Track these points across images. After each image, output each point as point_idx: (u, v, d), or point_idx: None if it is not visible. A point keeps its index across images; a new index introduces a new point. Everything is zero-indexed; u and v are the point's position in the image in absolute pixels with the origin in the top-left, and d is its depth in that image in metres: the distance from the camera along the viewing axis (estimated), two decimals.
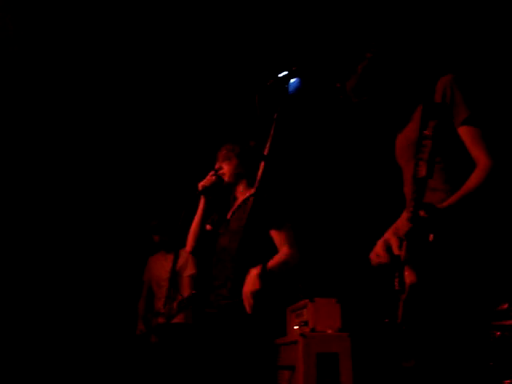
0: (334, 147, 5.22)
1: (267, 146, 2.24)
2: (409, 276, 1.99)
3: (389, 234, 2.27)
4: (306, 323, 4.70)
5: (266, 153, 2.22)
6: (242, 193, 3.41)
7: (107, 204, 5.24)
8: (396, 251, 2.10)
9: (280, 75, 2.41)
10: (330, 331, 4.53)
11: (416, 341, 2.15)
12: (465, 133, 2.09)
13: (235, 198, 3.47)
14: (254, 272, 2.95)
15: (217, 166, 3.44)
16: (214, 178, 3.36)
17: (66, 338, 5.06)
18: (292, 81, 2.39)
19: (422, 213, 1.92)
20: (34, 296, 5.08)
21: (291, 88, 2.39)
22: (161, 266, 5.25)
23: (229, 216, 3.41)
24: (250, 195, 3.30)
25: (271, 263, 3.12)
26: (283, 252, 3.13)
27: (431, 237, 1.94)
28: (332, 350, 4.43)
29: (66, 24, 4.44)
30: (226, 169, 3.40)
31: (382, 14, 3.87)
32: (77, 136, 5.24)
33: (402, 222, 2.05)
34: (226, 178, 3.39)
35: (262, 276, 3.00)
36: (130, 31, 4.59)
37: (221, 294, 3.16)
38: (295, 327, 4.85)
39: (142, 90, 5.15)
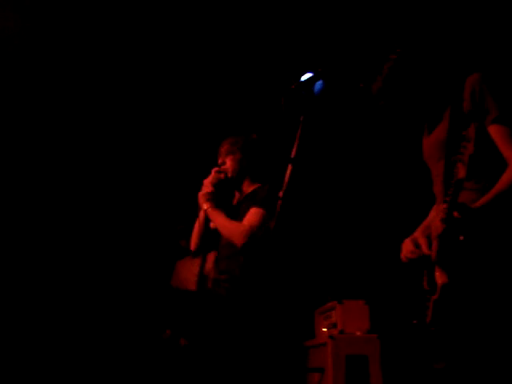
0: (359, 148, 5.20)
1: (294, 148, 2.24)
2: (440, 276, 1.98)
3: (418, 233, 2.27)
4: (334, 325, 4.68)
5: (293, 155, 2.22)
6: (246, 188, 3.36)
7: (135, 210, 5.27)
8: (426, 251, 2.09)
9: (304, 77, 2.41)
10: (358, 333, 4.51)
11: (447, 342, 2.14)
12: (495, 132, 2.06)
13: (239, 193, 3.41)
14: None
15: (220, 161, 3.38)
16: (219, 174, 3.30)
17: (94, 342, 5.10)
18: (317, 83, 2.39)
19: (455, 214, 1.90)
20: (58, 300, 5.13)
21: (316, 90, 2.39)
22: (188, 271, 5.27)
23: (233, 213, 3.36)
24: (253, 190, 3.25)
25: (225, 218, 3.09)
26: (242, 223, 3.06)
27: (461, 237, 1.92)
28: (361, 352, 4.41)
29: (66, 24, 4.44)
30: (229, 164, 3.34)
31: (406, 14, 3.85)
32: (98, 138, 5.25)
33: (435, 223, 2.03)
34: (229, 173, 3.33)
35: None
36: (144, 27, 4.58)
37: (226, 288, 3.14)
38: (324, 329, 4.84)
39: (154, 90, 5.14)
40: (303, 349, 4.94)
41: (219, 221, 3.16)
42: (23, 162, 5.12)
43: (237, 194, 3.45)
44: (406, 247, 2.22)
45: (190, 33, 4.67)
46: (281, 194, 2.21)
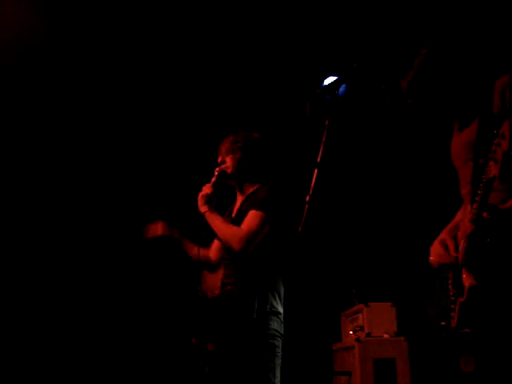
0: (384, 150, 5.18)
1: (320, 152, 2.24)
2: (467, 278, 1.96)
3: (445, 234, 2.24)
4: (361, 328, 4.67)
5: (318, 160, 2.22)
6: (247, 189, 3.27)
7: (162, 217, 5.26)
8: (453, 253, 2.07)
9: (328, 81, 2.41)
10: (386, 336, 4.49)
11: (475, 345, 2.12)
12: None
13: (240, 195, 3.33)
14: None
15: (220, 160, 3.29)
16: (219, 171, 3.22)
17: (130, 346, 5.14)
18: (341, 86, 2.39)
19: (485, 214, 1.88)
20: (92, 305, 5.16)
21: (340, 93, 2.39)
22: (215, 276, 5.29)
23: (234, 214, 3.30)
24: (253, 191, 3.19)
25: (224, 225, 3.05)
26: (240, 228, 3.00)
27: (488, 239, 1.90)
28: (389, 355, 4.39)
29: (66, 23, 4.44)
30: (229, 162, 3.24)
31: (436, 13, 3.83)
32: (113, 138, 5.25)
33: (464, 223, 2.01)
34: (229, 172, 3.24)
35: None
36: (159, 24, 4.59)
37: (229, 291, 3.10)
38: (350, 332, 4.83)
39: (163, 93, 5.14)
40: (330, 352, 4.93)
41: (216, 225, 3.05)
42: (23, 161, 5.12)
43: (238, 196, 3.37)
44: (435, 250, 2.20)
45: (212, 35, 4.68)
46: (307, 198, 2.20)
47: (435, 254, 2.21)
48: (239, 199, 3.29)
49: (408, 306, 4.73)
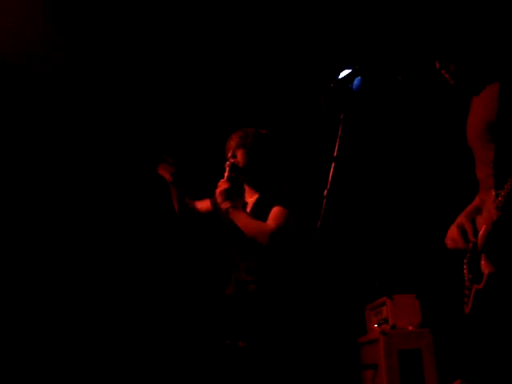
0: (402, 141, 5.16)
1: (336, 146, 2.24)
2: (487, 266, 1.91)
3: (462, 218, 2.19)
4: (385, 321, 4.67)
5: (335, 154, 2.23)
6: (260, 184, 3.26)
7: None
8: (471, 237, 2.03)
9: (342, 75, 2.41)
10: (410, 327, 4.48)
11: (489, 333, 2.07)
12: None
13: (252, 190, 3.32)
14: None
15: (229, 155, 3.23)
16: (233, 164, 3.20)
17: (153, 347, 5.15)
18: (355, 79, 2.39)
19: None
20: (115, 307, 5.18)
21: (355, 87, 2.39)
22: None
23: (249, 209, 3.24)
24: (273, 187, 3.17)
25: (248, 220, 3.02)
26: (267, 223, 2.98)
27: None
28: (414, 347, 4.38)
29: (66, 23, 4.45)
30: (240, 157, 3.22)
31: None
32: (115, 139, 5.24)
33: (489, 209, 1.92)
34: (241, 165, 3.23)
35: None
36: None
37: (252, 288, 3.07)
38: (375, 325, 4.82)
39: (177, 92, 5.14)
40: (356, 346, 4.93)
41: (241, 220, 3.03)
42: (23, 161, 5.13)
43: (248, 191, 3.35)
44: (451, 234, 2.15)
45: (227, 30, 4.67)
46: (325, 192, 2.21)
47: (450, 238, 2.16)
48: (253, 194, 3.29)
49: (432, 297, 4.71)
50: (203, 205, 3.44)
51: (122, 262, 5.19)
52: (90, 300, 5.07)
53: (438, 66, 2.16)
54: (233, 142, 3.23)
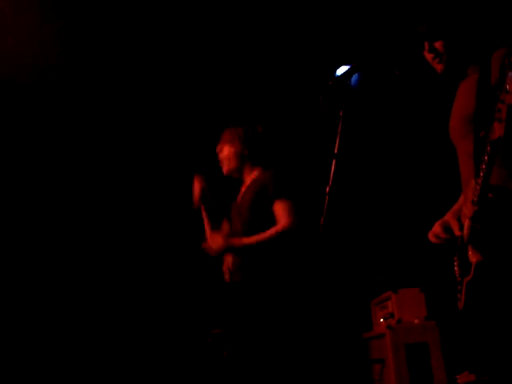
0: (402, 136, 5.16)
1: (336, 144, 2.25)
2: (474, 255, 1.89)
3: (448, 217, 2.19)
4: (391, 315, 4.68)
5: (336, 151, 2.24)
6: (248, 175, 3.31)
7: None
8: (457, 232, 2.02)
9: (340, 72, 2.42)
10: (416, 321, 4.49)
11: (485, 325, 2.07)
12: None
13: (242, 181, 3.37)
14: (228, 241, 3.04)
15: (218, 148, 3.37)
16: (199, 183, 3.33)
17: (153, 344, 5.15)
18: (353, 76, 2.40)
19: (490, 195, 1.79)
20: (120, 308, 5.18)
21: (353, 84, 2.40)
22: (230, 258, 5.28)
23: (238, 200, 3.32)
24: (260, 176, 3.21)
25: (260, 237, 3.01)
26: (282, 223, 3.00)
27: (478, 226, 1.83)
28: (421, 340, 4.39)
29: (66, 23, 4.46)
30: (226, 152, 3.31)
31: None
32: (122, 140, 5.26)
33: (466, 205, 1.90)
34: (226, 161, 3.30)
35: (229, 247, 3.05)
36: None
37: (251, 278, 3.09)
38: (381, 320, 4.84)
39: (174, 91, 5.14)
40: (362, 341, 4.94)
41: (257, 242, 3.05)
42: (23, 161, 5.15)
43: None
44: (433, 231, 2.18)
45: (225, 28, 4.68)
46: (327, 189, 2.22)
47: (431, 234, 2.19)
48: (243, 186, 3.35)
49: (437, 290, 4.71)
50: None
51: (120, 258, 5.23)
52: (85, 290, 5.11)
53: (427, 48, 2.16)
54: (224, 136, 3.33)
